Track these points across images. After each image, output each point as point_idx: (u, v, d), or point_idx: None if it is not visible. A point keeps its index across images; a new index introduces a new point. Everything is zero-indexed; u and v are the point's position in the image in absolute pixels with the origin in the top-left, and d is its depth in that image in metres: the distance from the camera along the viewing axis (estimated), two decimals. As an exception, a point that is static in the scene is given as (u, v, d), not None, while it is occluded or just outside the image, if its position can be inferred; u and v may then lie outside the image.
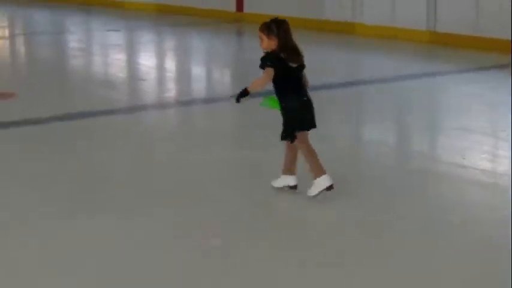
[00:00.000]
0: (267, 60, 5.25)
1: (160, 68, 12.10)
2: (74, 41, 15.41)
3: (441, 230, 4.89)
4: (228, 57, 13.27)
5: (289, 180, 5.51)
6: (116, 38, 15.64)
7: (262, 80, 5.29)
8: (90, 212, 5.21)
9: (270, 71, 5.23)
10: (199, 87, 10.36)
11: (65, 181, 5.91)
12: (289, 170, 5.51)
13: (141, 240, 4.71)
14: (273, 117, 7.71)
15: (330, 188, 5.32)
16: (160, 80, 10.94)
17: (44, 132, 7.55)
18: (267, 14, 16.21)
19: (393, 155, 7.00)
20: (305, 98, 5.33)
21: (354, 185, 5.73)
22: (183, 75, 11.28)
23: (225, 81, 11.27)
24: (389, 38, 13.87)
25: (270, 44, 5.24)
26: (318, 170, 5.34)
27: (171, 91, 10.12)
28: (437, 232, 4.85)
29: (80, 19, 19.84)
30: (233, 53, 13.87)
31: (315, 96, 5.42)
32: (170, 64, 12.70)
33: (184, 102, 9.17)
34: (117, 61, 12.66)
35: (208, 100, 9.35)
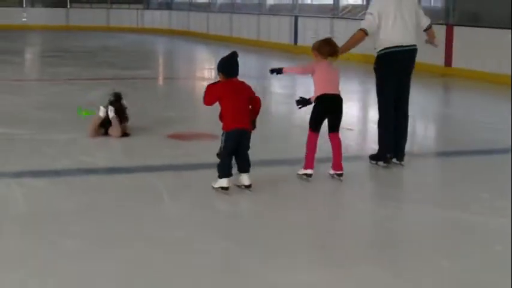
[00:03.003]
0: None
1: (364, 119, 12.06)
2: (279, 86, 15.68)
3: None
4: (434, 112, 13.01)
5: None
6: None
7: None
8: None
9: None
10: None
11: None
12: None
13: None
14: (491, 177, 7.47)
15: None
16: (363, 130, 10.88)
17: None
18: (475, 69, 16.15)
19: None
20: None
21: None
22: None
23: (428, 137, 11.04)
24: None
25: None
26: None
27: (373, 143, 10.00)
28: None
29: (285, 65, 20.23)
30: (439, 108, 13.60)
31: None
32: (374, 115, 12.58)
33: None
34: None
35: (412, 155, 9.17)
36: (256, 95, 6.92)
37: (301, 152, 7.41)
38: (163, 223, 6.01)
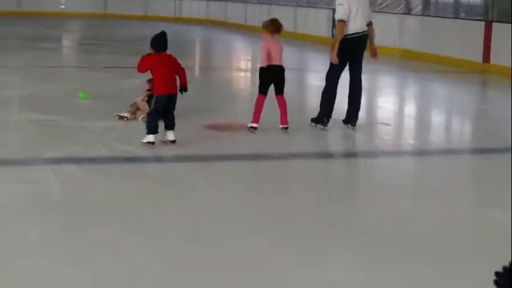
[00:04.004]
0: None
1: (401, 113, 11.98)
2: (317, 79, 15.61)
3: None
4: (471, 108, 12.88)
5: None
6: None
7: None
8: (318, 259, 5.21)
9: None
10: (438, 137, 10.14)
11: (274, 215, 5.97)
12: None
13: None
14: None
15: None
16: (399, 126, 10.81)
17: (271, 168, 7.80)
18: (514, 67, 15.90)
19: None
20: None
21: None
22: (423, 123, 11.08)
23: (465, 133, 10.96)
24: None
25: None
26: None
27: (410, 138, 9.97)
28: None
29: (321, 57, 20.17)
30: (476, 105, 13.46)
31: None
32: (411, 110, 12.54)
33: (422, 151, 9.03)
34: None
35: (447, 151, 9.12)
36: (181, 66, 8.38)
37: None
38: (199, 214, 6.02)
